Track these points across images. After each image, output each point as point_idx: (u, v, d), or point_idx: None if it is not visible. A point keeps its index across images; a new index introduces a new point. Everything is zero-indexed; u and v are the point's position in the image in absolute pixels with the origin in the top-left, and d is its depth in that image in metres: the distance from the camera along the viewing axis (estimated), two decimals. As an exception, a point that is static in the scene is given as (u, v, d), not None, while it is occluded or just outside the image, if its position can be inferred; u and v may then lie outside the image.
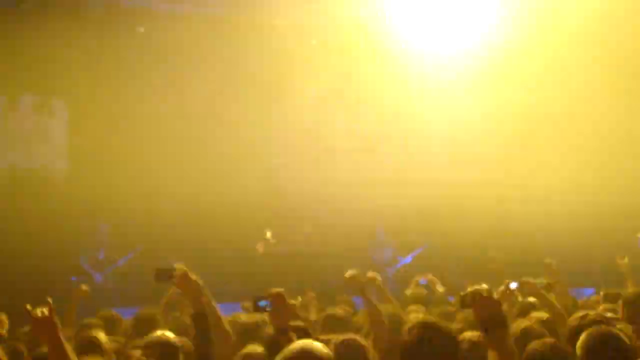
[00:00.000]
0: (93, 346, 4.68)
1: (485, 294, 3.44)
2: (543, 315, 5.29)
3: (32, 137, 14.07)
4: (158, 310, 6.31)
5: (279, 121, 14.37)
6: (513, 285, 5.87)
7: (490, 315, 3.32)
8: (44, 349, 4.08)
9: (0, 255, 12.65)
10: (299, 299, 5.41)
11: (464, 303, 3.64)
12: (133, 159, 13.76)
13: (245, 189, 14.28)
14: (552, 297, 5.73)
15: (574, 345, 3.82)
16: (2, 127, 13.82)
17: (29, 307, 3.77)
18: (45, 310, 3.74)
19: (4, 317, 6.18)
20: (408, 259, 12.71)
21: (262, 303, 4.29)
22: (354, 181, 13.60)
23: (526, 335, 4.42)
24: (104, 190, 13.59)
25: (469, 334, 4.15)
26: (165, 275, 4.32)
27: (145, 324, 5.51)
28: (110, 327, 5.86)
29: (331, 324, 5.48)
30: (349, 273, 5.48)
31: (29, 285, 12.39)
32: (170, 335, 4.32)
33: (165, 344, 4.17)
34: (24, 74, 13.51)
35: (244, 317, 5.18)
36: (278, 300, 4.12)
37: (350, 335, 4.08)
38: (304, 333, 4.09)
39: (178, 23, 13.71)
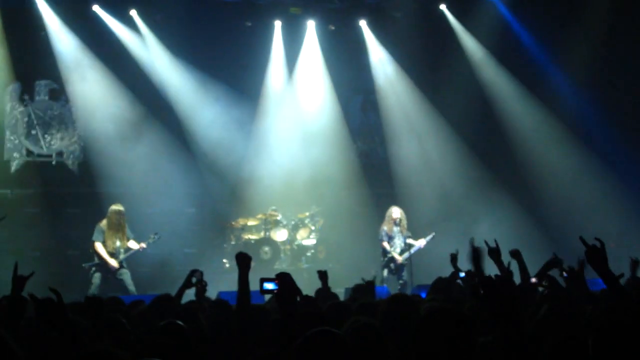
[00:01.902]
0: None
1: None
2: None
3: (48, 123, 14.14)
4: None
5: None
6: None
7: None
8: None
9: (17, 242, 12.77)
10: None
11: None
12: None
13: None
14: None
15: None
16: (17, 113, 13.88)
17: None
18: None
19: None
20: (422, 244, 12.59)
21: (269, 285, 4.22)
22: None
23: None
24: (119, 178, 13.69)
25: None
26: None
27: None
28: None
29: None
30: None
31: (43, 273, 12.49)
32: None
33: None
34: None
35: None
36: (285, 281, 3.97)
37: (366, 320, 4.06)
38: (317, 319, 4.06)
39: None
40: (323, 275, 6.86)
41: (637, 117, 13.70)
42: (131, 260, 11.83)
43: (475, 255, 5.17)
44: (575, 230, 12.82)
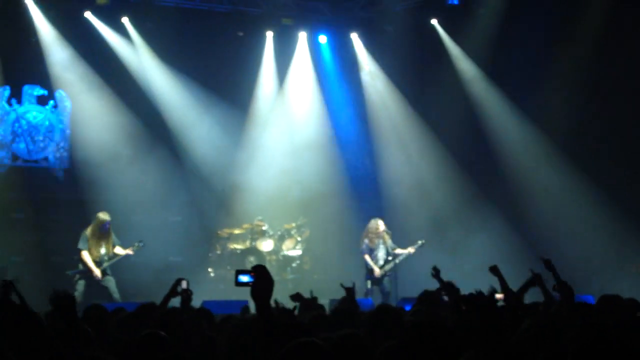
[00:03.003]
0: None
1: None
2: None
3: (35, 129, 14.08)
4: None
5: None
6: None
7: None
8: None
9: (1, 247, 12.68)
10: None
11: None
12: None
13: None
14: None
15: None
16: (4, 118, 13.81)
17: None
18: None
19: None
20: (411, 251, 12.55)
21: (244, 277, 4.18)
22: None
23: None
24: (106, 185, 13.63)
25: None
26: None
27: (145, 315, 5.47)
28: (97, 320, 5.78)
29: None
30: None
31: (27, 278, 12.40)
32: None
33: None
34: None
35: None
36: (260, 274, 3.84)
37: (350, 331, 4.04)
38: (300, 331, 4.04)
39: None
40: (297, 297, 6.68)
41: (626, 135, 13.77)
42: (116, 267, 11.76)
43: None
44: (563, 245, 12.96)
